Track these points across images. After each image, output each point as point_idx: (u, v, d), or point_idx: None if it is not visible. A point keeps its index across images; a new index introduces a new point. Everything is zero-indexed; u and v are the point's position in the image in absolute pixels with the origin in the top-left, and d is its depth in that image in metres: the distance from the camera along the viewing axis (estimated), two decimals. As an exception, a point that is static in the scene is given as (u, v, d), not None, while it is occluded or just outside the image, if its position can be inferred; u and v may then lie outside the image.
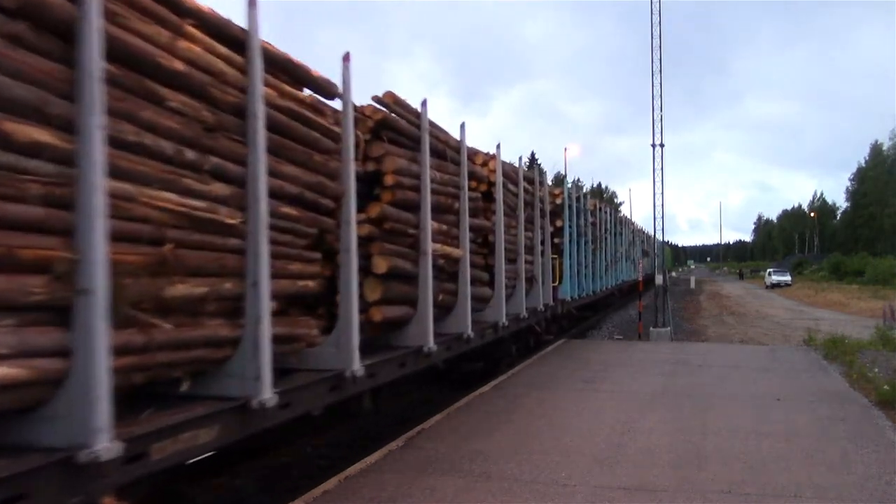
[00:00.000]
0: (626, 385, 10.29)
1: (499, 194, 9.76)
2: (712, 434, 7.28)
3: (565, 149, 52.09)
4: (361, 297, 6.05)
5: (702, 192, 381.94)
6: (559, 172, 18.54)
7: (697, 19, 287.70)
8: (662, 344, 16.90)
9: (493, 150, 12.83)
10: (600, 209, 21.06)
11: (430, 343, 7.10)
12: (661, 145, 25.14)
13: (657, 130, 24.90)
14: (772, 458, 6.39)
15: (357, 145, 6.12)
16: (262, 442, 6.31)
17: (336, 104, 5.72)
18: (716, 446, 6.81)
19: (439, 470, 6.04)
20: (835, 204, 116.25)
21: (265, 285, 4.32)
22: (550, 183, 18.01)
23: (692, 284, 55.22)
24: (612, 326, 23.32)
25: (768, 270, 65.27)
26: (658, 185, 25.44)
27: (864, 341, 15.40)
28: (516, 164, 11.61)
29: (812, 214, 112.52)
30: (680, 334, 20.58)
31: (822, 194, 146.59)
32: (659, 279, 24.07)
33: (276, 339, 4.50)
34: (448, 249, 7.85)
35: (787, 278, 59.01)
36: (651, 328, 19.29)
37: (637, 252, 32.46)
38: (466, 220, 8.22)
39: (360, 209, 6.16)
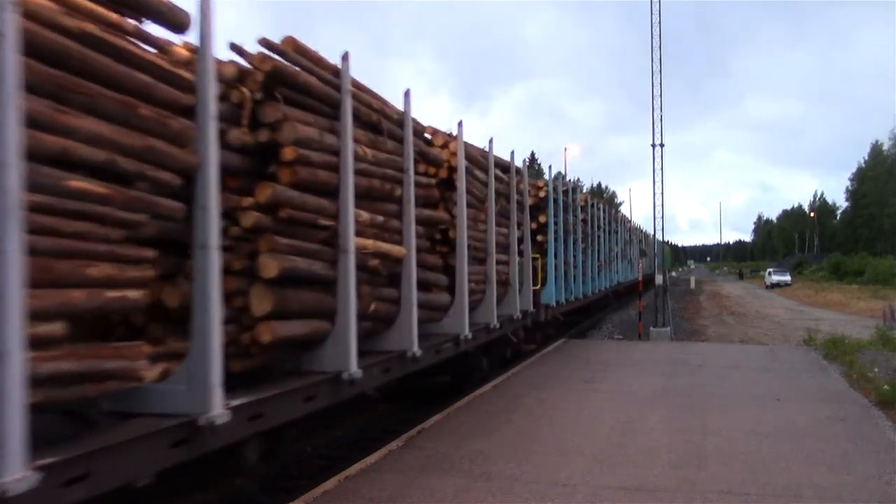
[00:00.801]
0: (627, 385, 10.29)
1: (461, 182, 8.39)
2: (712, 434, 7.28)
3: (565, 149, 52.24)
4: (247, 309, 4.80)
5: (702, 191, 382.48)
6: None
7: (699, 19, 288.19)
8: (662, 344, 16.90)
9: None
10: (592, 205, 19.81)
11: (352, 367, 5.54)
12: (661, 145, 25.15)
13: (657, 130, 24.90)
14: (772, 458, 6.39)
15: (241, 105, 4.96)
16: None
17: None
18: (716, 446, 6.81)
19: (439, 470, 6.03)
20: (835, 204, 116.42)
21: (14, 299, 2.85)
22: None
23: (692, 284, 55.19)
24: (611, 326, 23.32)
25: (768, 270, 65.26)
26: (658, 185, 25.44)
27: (864, 341, 15.40)
28: (496, 152, 10.44)
29: (812, 214, 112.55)
30: (680, 334, 20.57)
31: (822, 194, 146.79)
32: (659, 279, 24.07)
33: (59, 380, 3.22)
34: (385, 247, 6.34)
35: (787, 278, 59.00)
36: (651, 328, 19.29)
37: (634, 251, 31.61)
38: (412, 211, 6.71)
39: (249, 192, 4.91)
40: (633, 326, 21.17)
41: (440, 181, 8.27)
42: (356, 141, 5.86)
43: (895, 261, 58.98)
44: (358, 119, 5.97)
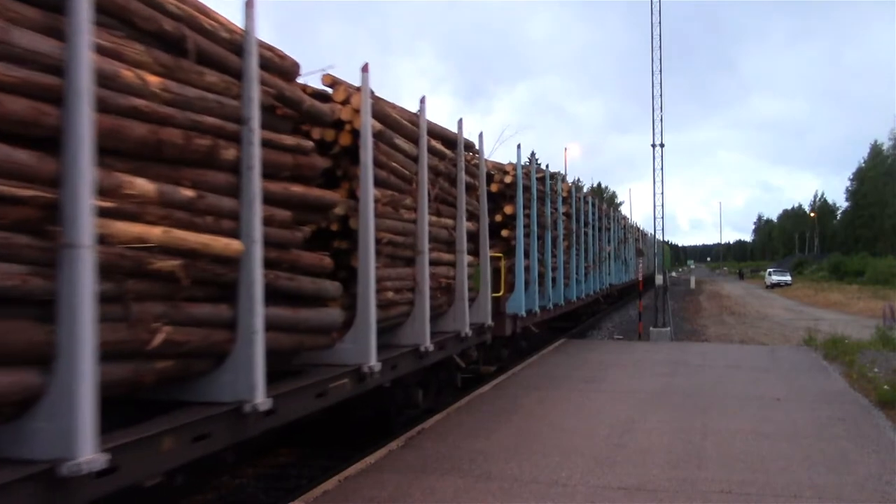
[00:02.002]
0: (627, 385, 10.29)
1: (366, 151, 5.94)
2: (712, 434, 7.28)
3: (565, 148, 52.29)
4: None
5: (705, 191, 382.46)
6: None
7: (707, 16, 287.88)
8: (662, 344, 16.89)
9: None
10: (579, 198, 17.68)
11: (86, 453, 3.08)
12: (661, 145, 25.10)
13: (657, 130, 24.84)
14: (772, 459, 6.39)
15: None
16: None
17: None
18: (716, 446, 6.81)
19: (439, 470, 6.04)
20: (835, 204, 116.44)
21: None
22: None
23: (692, 284, 55.16)
24: (612, 326, 23.32)
25: (768, 270, 65.26)
26: (658, 184, 25.40)
27: (864, 341, 15.42)
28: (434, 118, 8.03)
29: (812, 214, 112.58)
30: (680, 334, 20.56)
31: (822, 194, 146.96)
32: (659, 279, 24.05)
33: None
34: (194, 239, 4.02)
35: (787, 278, 59.00)
36: (651, 328, 19.27)
37: (630, 251, 30.01)
38: (257, 185, 4.46)
39: None
40: (633, 326, 21.17)
41: (343, 151, 6.10)
42: (118, 58, 3.61)
43: (895, 261, 59.03)
44: (124, 20, 3.70)
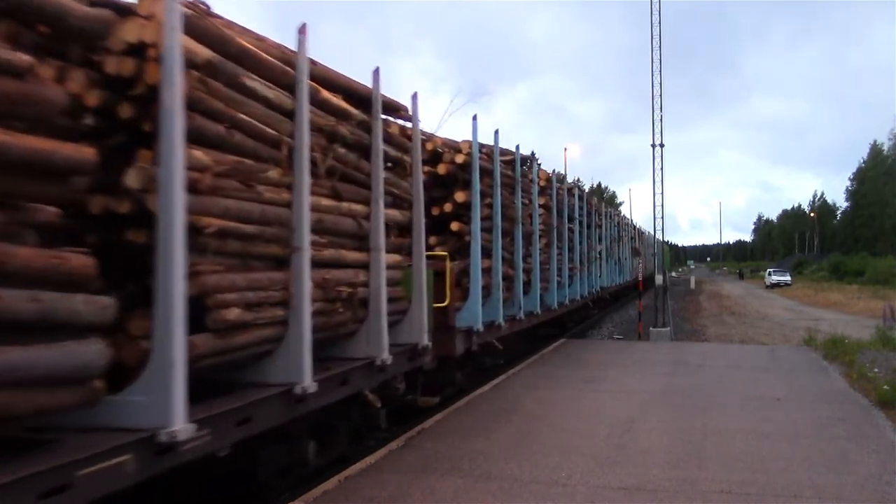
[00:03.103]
0: (626, 385, 10.29)
1: (172, 87, 3.80)
2: (712, 434, 7.28)
3: (565, 149, 52.28)
4: None
5: (705, 191, 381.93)
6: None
7: (710, 15, 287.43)
8: (662, 344, 16.90)
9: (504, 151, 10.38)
10: (562, 189, 15.36)
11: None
12: (661, 145, 25.12)
13: (657, 130, 24.85)
14: (772, 459, 6.39)
15: None
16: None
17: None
18: (716, 446, 6.81)
19: (439, 470, 6.04)
20: (835, 204, 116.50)
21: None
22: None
23: (692, 284, 55.17)
24: (611, 326, 23.32)
25: (768, 270, 65.30)
26: (658, 185, 25.40)
27: (864, 341, 15.41)
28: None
29: (812, 214, 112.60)
30: (680, 334, 20.57)
31: (822, 194, 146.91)
32: (659, 279, 24.06)
33: None
34: None
35: (787, 278, 59.03)
36: (651, 328, 19.28)
37: (625, 251, 28.04)
38: None
39: None
40: (633, 326, 21.17)
41: (150, 92, 3.84)
42: None
43: (895, 261, 59.04)
44: None
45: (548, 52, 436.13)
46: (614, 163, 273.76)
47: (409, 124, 7.37)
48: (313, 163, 5.23)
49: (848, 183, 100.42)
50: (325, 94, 5.67)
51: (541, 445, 6.81)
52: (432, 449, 6.70)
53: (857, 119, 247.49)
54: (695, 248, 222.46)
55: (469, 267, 9.49)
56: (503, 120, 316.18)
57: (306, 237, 5.01)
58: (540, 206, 13.00)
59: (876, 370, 11.26)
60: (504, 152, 11.10)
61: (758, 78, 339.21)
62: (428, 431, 7.42)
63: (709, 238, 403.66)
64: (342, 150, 5.82)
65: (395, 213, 6.80)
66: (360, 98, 6.26)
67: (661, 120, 25.00)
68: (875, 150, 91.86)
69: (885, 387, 9.36)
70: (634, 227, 35.22)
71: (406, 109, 7.16)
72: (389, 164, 6.76)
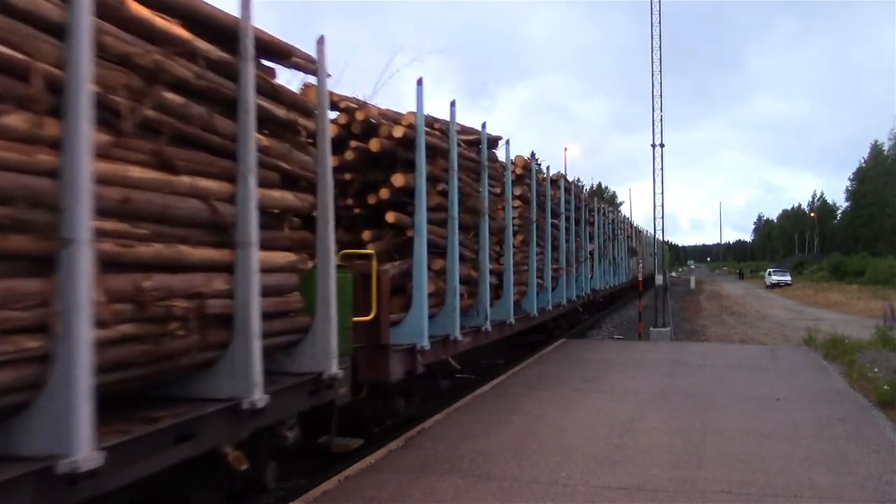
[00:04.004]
0: (626, 385, 10.29)
1: None
2: (712, 434, 7.28)
3: (565, 148, 52.33)
4: None
5: (707, 190, 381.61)
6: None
7: (712, 14, 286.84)
8: (662, 344, 16.90)
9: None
10: (543, 179, 13.36)
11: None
12: (661, 145, 25.13)
13: (657, 130, 24.86)
14: (772, 459, 6.39)
15: None
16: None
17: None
18: (716, 446, 6.81)
19: (439, 470, 6.03)
20: (835, 204, 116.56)
21: None
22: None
23: (692, 284, 55.19)
24: (612, 326, 23.33)
25: (768, 270, 65.31)
26: (658, 185, 25.40)
27: (864, 341, 15.42)
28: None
29: (812, 214, 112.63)
30: (680, 334, 20.57)
31: (822, 194, 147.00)
32: (659, 279, 24.07)
33: None
34: None
35: (787, 278, 59.05)
36: (651, 328, 19.28)
37: (621, 250, 26.32)
38: None
39: None
40: (633, 326, 21.17)
41: None
42: None
43: (895, 261, 59.05)
44: None
45: (549, 51, 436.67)
46: (615, 163, 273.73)
47: (314, 79, 5.45)
48: (113, 111, 3.49)
49: (848, 183, 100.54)
50: (137, 9, 3.73)
51: (541, 445, 6.81)
52: (432, 449, 6.69)
53: (859, 118, 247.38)
54: (695, 247, 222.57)
55: (414, 267, 7.51)
56: (504, 120, 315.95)
57: (85, 224, 3.10)
58: (515, 196, 11.18)
59: (876, 370, 11.27)
60: (466, 130, 9.33)
61: (759, 77, 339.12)
62: (428, 431, 7.42)
63: (709, 238, 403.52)
64: (177, 99, 3.96)
65: (286, 197, 4.98)
66: (218, 31, 4.33)
67: (661, 120, 25.04)
68: (875, 149, 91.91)
69: (885, 387, 9.36)
70: (632, 225, 33.70)
71: (304, 57, 5.16)
72: (274, 129, 4.96)
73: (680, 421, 7.89)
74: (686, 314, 29.52)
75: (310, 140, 5.33)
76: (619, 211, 30.37)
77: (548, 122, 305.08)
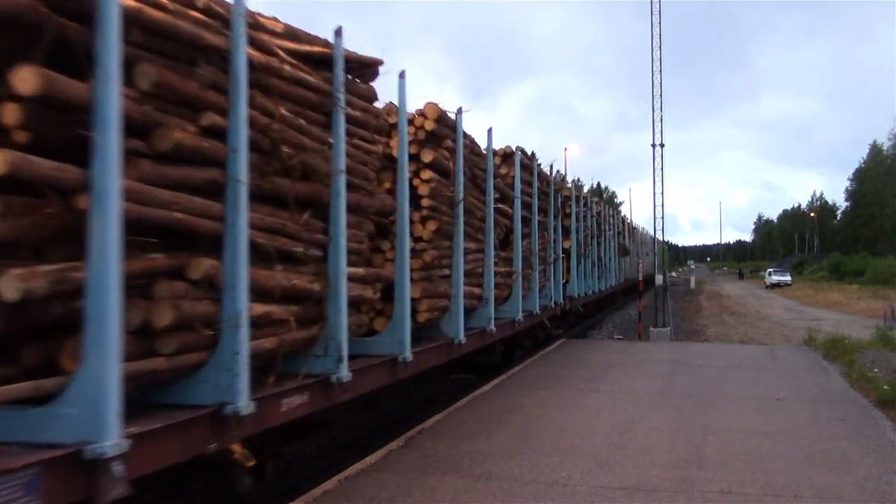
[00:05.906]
0: (626, 385, 10.29)
1: None
2: (712, 434, 7.28)
3: (565, 148, 52.29)
4: None
5: (707, 190, 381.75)
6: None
7: (718, 12, 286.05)
8: (662, 344, 16.90)
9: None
10: (483, 151, 9.54)
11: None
12: (661, 145, 25.13)
13: (657, 130, 24.86)
14: (772, 458, 6.39)
15: None
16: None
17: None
18: (716, 446, 6.81)
19: (439, 470, 6.03)
20: (835, 204, 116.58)
21: None
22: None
23: (692, 284, 55.22)
24: (612, 326, 23.33)
25: (768, 270, 65.31)
26: (658, 185, 25.40)
27: (864, 341, 15.42)
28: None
29: (812, 214, 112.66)
30: (680, 334, 20.57)
31: (822, 194, 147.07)
32: (658, 279, 24.08)
33: None
34: None
35: (787, 278, 59.05)
36: (651, 328, 19.28)
37: (611, 250, 23.06)
38: None
39: None
40: (633, 326, 21.18)
41: None
42: None
43: (895, 261, 59.06)
44: None
45: (553, 49, 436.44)
46: (618, 162, 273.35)
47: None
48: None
49: (848, 183, 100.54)
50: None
51: (541, 445, 6.81)
52: (432, 449, 6.69)
53: (861, 118, 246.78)
54: (695, 247, 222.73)
55: (328, 272, 5.17)
56: (507, 119, 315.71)
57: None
58: (426, 164, 7.66)
59: (876, 370, 11.27)
60: (295, 33, 5.20)
61: (763, 76, 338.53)
62: (428, 431, 7.42)
63: (709, 238, 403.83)
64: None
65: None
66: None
67: (661, 120, 25.04)
68: (875, 149, 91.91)
69: (885, 387, 9.36)
70: (623, 220, 29.59)
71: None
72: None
73: (680, 421, 7.89)
74: (686, 314, 29.53)
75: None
76: (608, 206, 26.36)
77: (551, 121, 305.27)
